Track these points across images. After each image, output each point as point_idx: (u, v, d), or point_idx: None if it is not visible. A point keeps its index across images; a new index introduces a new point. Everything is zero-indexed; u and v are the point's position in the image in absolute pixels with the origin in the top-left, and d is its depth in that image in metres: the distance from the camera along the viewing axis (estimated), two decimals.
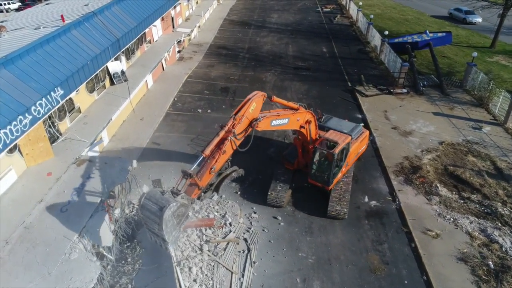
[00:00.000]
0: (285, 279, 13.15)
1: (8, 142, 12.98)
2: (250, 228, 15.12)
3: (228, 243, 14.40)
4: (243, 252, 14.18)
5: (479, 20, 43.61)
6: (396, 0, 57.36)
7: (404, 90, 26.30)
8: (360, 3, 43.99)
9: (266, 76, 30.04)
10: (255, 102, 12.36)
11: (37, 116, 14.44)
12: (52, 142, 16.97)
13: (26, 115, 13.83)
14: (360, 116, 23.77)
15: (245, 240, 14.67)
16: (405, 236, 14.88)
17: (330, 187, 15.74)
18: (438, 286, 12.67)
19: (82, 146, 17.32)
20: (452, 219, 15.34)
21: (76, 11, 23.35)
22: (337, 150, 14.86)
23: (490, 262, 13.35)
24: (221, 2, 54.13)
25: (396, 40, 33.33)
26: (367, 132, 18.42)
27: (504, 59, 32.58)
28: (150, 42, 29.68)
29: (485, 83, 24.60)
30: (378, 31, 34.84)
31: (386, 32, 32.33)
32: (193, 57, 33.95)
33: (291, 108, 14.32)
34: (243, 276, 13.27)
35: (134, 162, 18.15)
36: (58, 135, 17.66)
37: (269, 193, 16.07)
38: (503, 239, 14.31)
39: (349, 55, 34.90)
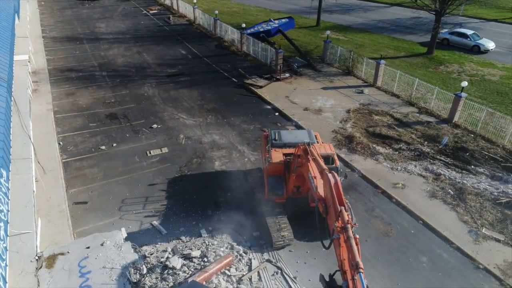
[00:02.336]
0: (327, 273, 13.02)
1: None
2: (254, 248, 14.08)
3: (258, 272, 13.10)
4: (277, 273, 13.20)
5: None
6: None
7: (287, 74, 28.56)
8: (195, 1, 44.16)
9: (145, 91, 27.17)
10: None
11: None
12: None
13: None
14: (270, 106, 24.63)
15: (269, 261, 13.64)
16: (383, 195, 16.85)
17: None
18: (435, 224, 15.07)
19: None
20: (402, 169, 18.23)
21: None
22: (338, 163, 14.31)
23: (450, 190, 16.69)
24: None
25: (249, 31, 35.31)
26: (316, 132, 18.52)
27: (333, 34, 39.15)
28: None
29: (345, 55, 29.25)
30: (231, 25, 36.09)
31: (244, 25, 33.85)
32: (38, 88, 27.29)
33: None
34: None
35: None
36: None
37: (273, 235, 13.74)
38: (442, 170, 18.01)
39: (211, 53, 35.02)
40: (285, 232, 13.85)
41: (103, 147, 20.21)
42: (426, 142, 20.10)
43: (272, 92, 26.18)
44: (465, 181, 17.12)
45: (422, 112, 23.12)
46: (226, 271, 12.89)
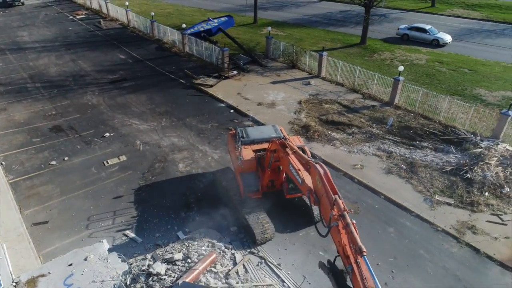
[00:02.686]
0: (311, 256, 13.64)
1: None
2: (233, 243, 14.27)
3: (243, 265, 13.28)
4: (261, 263, 13.49)
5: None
6: None
7: (235, 72, 28.83)
8: (127, 3, 42.43)
9: (88, 100, 25.73)
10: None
11: None
12: None
13: None
14: (223, 104, 24.71)
15: (251, 253, 13.88)
16: (346, 177, 17.92)
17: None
18: (396, 197, 16.42)
19: None
20: (358, 151, 19.52)
21: None
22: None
23: (402, 165, 18.26)
24: None
25: (189, 31, 34.94)
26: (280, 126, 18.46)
27: (272, 30, 40.13)
28: None
29: (289, 49, 30.29)
30: (168, 26, 35.36)
31: (184, 25, 33.39)
32: None
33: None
34: (283, 281, 12.85)
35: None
36: None
37: (256, 232, 13.83)
38: (392, 148, 19.61)
39: (152, 55, 34.08)
40: (268, 229, 14.12)
41: (53, 162, 18.84)
42: (374, 125, 21.70)
43: (224, 90, 26.30)
44: (414, 156, 18.84)
45: (366, 98, 24.87)
46: (212, 269, 12.89)
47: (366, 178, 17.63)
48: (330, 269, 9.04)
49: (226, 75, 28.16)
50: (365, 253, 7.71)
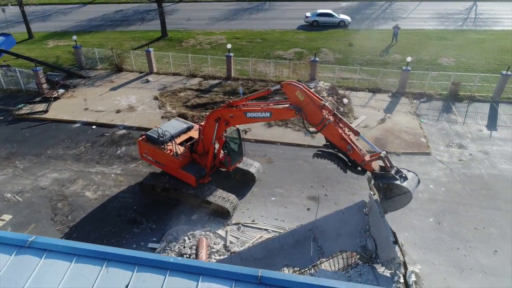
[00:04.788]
0: (268, 203, 16.20)
1: None
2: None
3: (229, 236, 14.46)
4: (241, 227, 14.99)
5: None
6: None
7: (62, 90, 25.63)
8: None
9: None
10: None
11: None
12: None
13: None
14: (79, 124, 22.16)
15: (228, 224, 15.09)
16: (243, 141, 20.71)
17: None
18: (288, 140, 20.57)
19: None
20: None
21: None
22: None
23: None
24: None
25: None
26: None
27: (61, 42, 36.13)
28: None
29: (107, 54, 29.03)
30: None
31: None
32: None
33: None
34: (266, 230, 14.89)
35: None
36: None
37: (225, 206, 15.06)
38: None
39: None
40: (232, 199, 15.52)
41: None
42: (231, 96, 25.02)
43: (65, 111, 23.37)
44: None
45: (207, 78, 27.72)
46: (212, 250, 13.60)
47: (258, 136, 21.01)
48: (328, 153, 11.89)
49: (53, 95, 24.76)
50: (360, 132, 11.26)
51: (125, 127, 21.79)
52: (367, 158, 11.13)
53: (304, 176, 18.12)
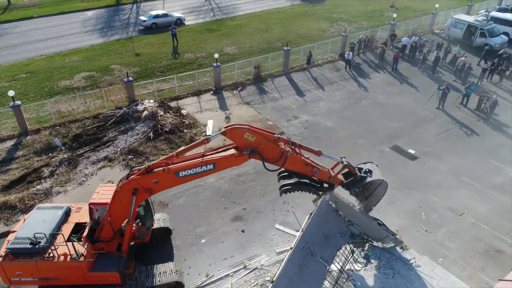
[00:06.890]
0: (231, 235, 14.39)
1: None
2: None
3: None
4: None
5: None
6: None
7: None
8: None
9: None
10: None
11: None
12: None
13: None
14: None
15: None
16: None
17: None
18: None
19: None
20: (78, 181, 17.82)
21: None
22: None
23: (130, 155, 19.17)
24: None
25: None
26: None
27: None
28: None
29: None
30: None
31: None
32: None
33: None
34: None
35: None
36: None
37: None
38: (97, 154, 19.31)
39: None
40: (172, 266, 12.86)
41: None
42: (43, 156, 19.29)
43: None
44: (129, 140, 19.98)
45: None
46: None
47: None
48: (294, 185, 11.69)
49: None
50: (321, 151, 11.56)
51: None
52: (332, 173, 11.46)
53: (211, 202, 16.83)
